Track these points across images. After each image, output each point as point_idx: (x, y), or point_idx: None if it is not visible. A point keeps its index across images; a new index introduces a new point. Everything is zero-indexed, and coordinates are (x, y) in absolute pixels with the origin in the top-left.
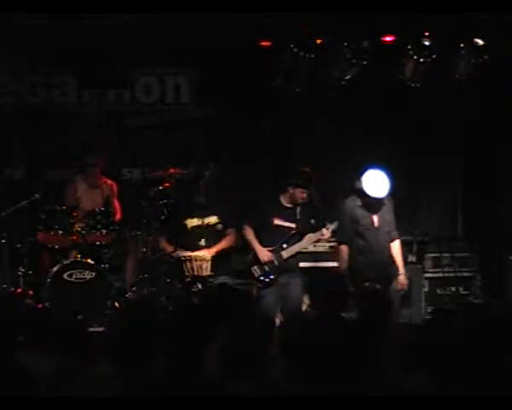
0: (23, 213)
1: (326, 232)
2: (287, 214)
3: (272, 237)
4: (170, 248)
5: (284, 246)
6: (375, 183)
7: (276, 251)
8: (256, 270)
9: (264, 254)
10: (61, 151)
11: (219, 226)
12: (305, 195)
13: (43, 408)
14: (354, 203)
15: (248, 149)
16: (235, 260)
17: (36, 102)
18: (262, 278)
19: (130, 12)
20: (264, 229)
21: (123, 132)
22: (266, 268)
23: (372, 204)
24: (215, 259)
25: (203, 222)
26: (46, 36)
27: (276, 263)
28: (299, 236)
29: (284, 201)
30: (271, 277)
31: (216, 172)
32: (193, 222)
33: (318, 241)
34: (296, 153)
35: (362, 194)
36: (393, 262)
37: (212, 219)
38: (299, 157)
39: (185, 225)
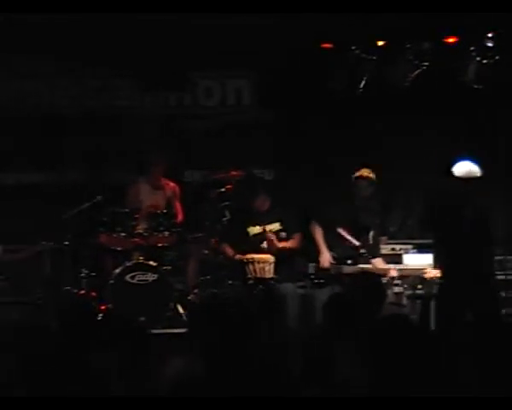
0: (85, 215)
1: (393, 272)
2: (354, 229)
3: (332, 245)
4: (231, 253)
5: (349, 262)
6: (464, 168)
7: (339, 262)
8: (312, 266)
9: (325, 259)
10: (123, 154)
11: (283, 234)
12: (365, 192)
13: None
14: (443, 200)
15: (310, 152)
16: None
17: (97, 105)
18: (313, 277)
19: (192, 11)
20: (327, 234)
21: (184, 135)
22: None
23: (463, 196)
24: (277, 262)
25: (264, 229)
26: (108, 38)
27: (332, 272)
28: (366, 257)
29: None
30: (322, 281)
31: (279, 176)
32: (254, 230)
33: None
34: (357, 155)
35: (453, 183)
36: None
37: (275, 226)
38: (361, 159)
39: (247, 232)
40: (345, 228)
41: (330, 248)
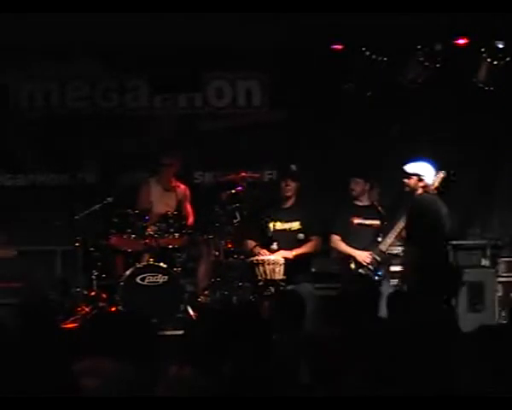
0: (96, 216)
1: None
2: (365, 213)
3: (355, 238)
4: (253, 246)
5: (379, 239)
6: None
7: (373, 248)
8: (366, 272)
9: (363, 256)
10: (134, 155)
11: (301, 235)
12: (360, 187)
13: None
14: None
15: (320, 152)
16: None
17: (109, 106)
18: (375, 277)
19: (203, 11)
20: (346, 231)
21: (195, 136)
22: (371, 267)
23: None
24: (294, 263)
25: (283, 227)
26: (118, 39)
27: (378, 259)
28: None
29: (359, 201)
30: (380, 273)
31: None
32: (276, 225)
33: None
34: (365, 155)
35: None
36: None
37: (295, 225)
38: (369, 159)
39: (268, 228)
40: (357, 216)
41: (353, 241)
